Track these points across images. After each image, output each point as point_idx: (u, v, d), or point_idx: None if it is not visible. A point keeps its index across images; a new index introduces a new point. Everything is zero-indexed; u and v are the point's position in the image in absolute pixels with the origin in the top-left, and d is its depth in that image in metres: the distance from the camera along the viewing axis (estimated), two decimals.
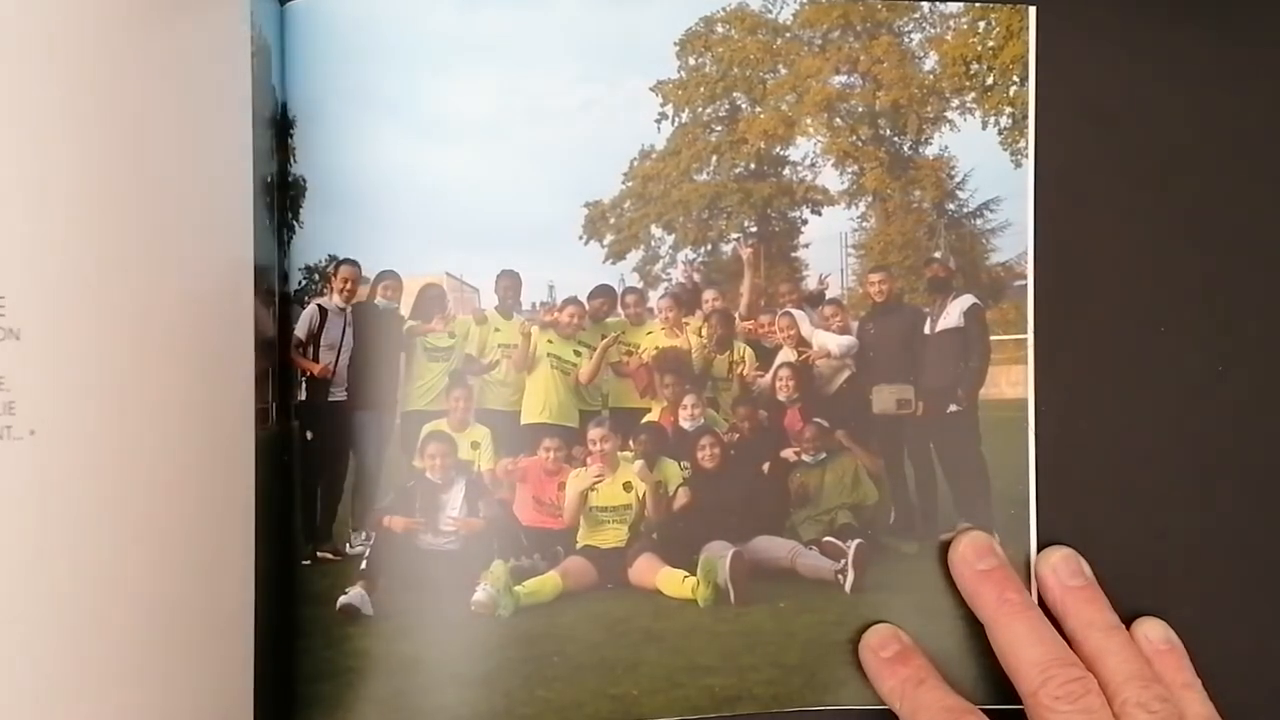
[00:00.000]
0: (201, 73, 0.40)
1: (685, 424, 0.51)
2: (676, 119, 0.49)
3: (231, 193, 0.42)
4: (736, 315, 0.51)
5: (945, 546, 0.48)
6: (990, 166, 0.50)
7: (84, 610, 0.34)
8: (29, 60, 0.33)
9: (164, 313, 0.37)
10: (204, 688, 0.39)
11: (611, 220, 0.49)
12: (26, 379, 0.33)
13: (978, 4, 0.49)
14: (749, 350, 0.51)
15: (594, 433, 0.50)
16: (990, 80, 0.50)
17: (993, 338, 0.50)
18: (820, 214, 0.50)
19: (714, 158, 0.50)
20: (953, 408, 0.50)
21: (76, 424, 0.34)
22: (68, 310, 0.34)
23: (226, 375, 0.41)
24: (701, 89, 0.49)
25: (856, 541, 0.49)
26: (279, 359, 0.46)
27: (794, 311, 0.51)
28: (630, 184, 0.49)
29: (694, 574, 0.48)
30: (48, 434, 0.33)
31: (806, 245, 0.50)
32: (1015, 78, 0.49)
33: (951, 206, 0.50)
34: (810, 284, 0.50)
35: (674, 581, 0.48)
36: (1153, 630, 0.47)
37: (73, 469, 0.34)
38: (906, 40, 0.50)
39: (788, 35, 0.50)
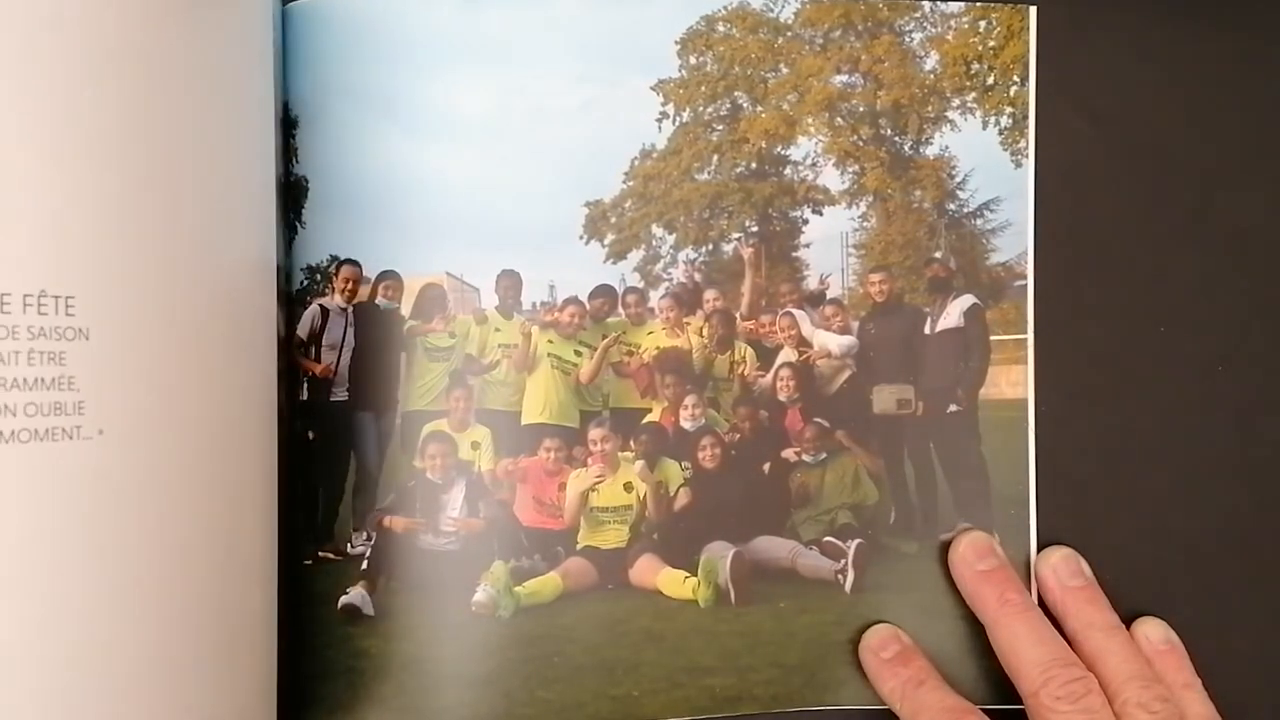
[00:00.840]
0: (236, 75, 0.40)
1: (686, 424, 0.51)
2: (677, 118, 0.49)
3: (260, 193, 0.42)
4: (737, 315, 0.51)
5: (945, 546, 0.48)
6: (990, 166, 0.50)
7: (139, 608, 0.35)
8: (91, 68, 0.34)
9: (209, 313, 0.38)
10: (235, 686, 0.40)
11: (612, 220, 0.49)
12: (95, 379, 0.33)
13: (978, 4, 0.49)
14: (750, 350, 0.51)
15: (595, 433, 0.50)
16: (991, 80, 0.50)
17: (993, 338, 0.50)
18: (821, 214, 0.50)
19: (715, 157, 0.50)
20: (953, 408, 0.50)
21: (141, 424, 0.35)
22: (131, 311, 0.34)
23: (256, 375, 0.42)
24: (702, 88, 0.49)
25: (856, 541, 0.49)
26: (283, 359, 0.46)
27: (795, 311, 0.51)
28: (631, 183, 0.49)
29: (695, 574, 0.48)
30: (115, 434, 0.34)
31: (807, 245, 0.50)
32: (1015, 78, 0.49)
33: (952, 206, 0.51)
34: (811, 284, 0.50)
35: (675, 582, 0.48)
36: (1153, 630, 0.47)
37: (136, 469, 0.35)
38: (907, 40, 0.50)
39: (789, 34, 0.50)
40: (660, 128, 0.49)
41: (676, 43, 0.49)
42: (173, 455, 0.36)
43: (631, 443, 0.50)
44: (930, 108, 0.50)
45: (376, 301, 0.47)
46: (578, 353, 0.51)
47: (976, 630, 0.47)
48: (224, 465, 0.39)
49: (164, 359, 0.36)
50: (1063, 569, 0.47)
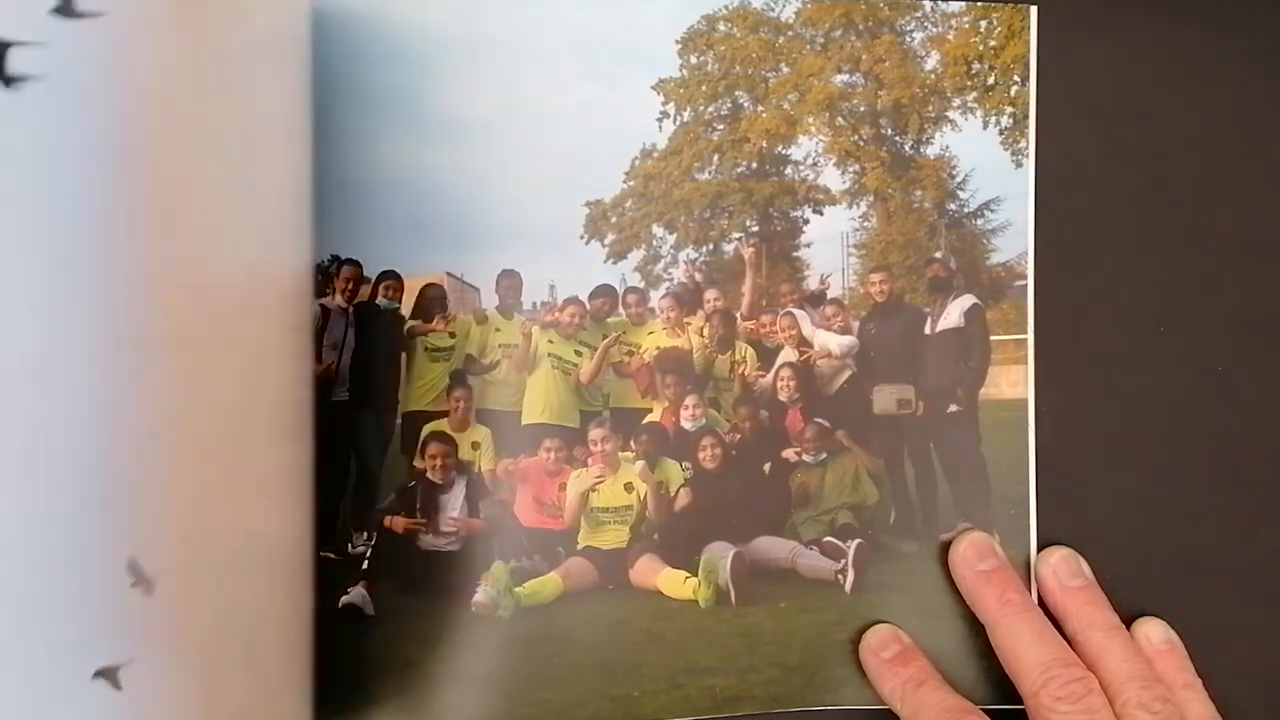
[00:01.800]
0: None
1: (686, 424, 0.51)
2: (678, 118, 0.49)
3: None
4: (738, 315, 0.51)
5: (945, 546, 0.48)
6: (991, 166, 0.50)
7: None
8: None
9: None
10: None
11: (613, 219, 0.49)
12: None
13: (979, 3, 0.49)
14: (750, 350, 0.51)
15: (595, 433, 0.50)
16: (991, 80, 0.50)
17: (993, 338, 0.50)
18: (822, 213, 0.50)
19: (716, 157, 0.50)
20: (953, 408, 0.50)
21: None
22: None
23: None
24: (703, 87, 0.49)
25: (856, 541, 0.49)
26: None
27: (795, 311, 0.51)
28: (631, 183, 0.49)
29: (695, 575, 0.48)
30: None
31: (808, 245, 0.50)
32: (1016, 77, 0.49)
33: (952, 206, 0.51)
34: (811, 284, 0.50)
35: (675, 582, 0.48)
36: (1153, 630, 0.47)
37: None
38: (908, 39, 0.50)
39: (790, 34, 0.50)
40: (661, 127, 0.49)
41: (677, 42, 0.49)
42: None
43: (632, 443, 0.50)
44: (931, 107, 0.50)
45: (377, 301, 0.47)
46: (578, 353, 0.51)
47: (976, 630, 0.47)
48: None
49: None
50: (1063, 569, 0.47)
